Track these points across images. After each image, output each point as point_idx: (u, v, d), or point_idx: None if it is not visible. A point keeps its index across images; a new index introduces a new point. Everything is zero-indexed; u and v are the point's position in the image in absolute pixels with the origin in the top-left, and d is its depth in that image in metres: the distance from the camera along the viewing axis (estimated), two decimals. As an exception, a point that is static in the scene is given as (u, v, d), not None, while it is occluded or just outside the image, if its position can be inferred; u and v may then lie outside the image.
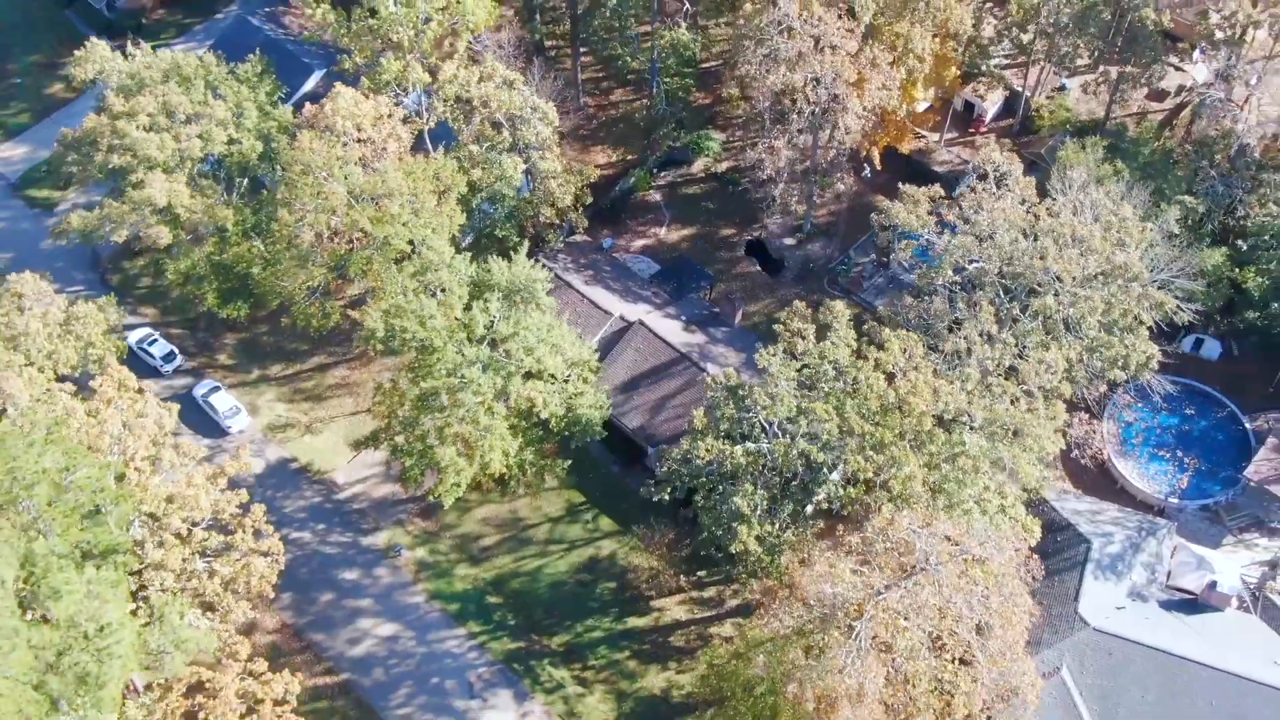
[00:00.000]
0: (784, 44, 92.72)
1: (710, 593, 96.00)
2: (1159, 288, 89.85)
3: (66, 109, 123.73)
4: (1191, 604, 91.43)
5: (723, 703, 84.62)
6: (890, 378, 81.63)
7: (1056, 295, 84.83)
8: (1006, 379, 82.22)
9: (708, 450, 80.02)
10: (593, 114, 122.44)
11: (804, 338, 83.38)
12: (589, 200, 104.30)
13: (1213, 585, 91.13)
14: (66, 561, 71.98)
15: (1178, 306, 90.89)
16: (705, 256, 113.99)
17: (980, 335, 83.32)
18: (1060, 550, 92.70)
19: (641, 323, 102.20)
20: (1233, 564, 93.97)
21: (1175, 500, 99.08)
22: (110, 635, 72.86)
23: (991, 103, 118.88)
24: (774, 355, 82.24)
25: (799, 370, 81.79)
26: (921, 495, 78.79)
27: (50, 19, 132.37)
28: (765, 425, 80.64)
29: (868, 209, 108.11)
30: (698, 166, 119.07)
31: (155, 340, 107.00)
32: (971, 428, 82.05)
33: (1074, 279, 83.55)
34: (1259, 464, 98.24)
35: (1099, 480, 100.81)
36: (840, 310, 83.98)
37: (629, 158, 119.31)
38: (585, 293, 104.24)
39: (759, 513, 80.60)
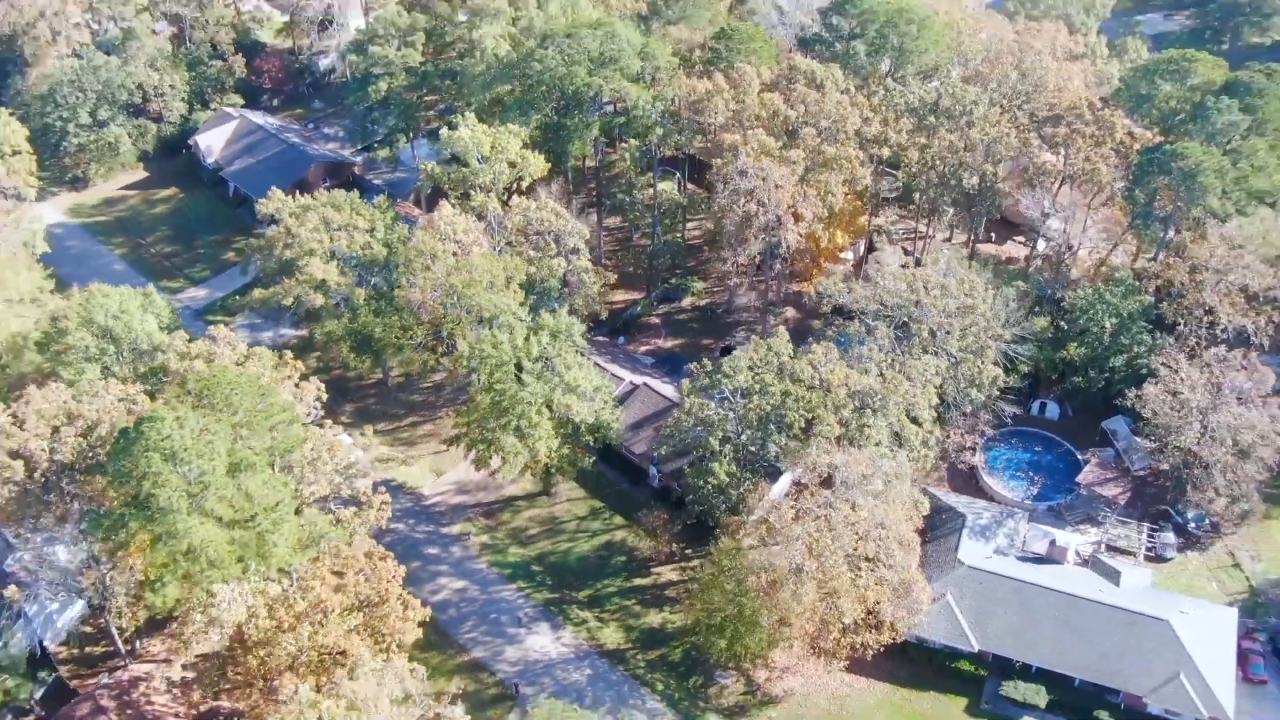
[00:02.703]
0: (743, 182, 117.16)
1: (695, 563, 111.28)
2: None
3: (234, 269, 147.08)
4: (1040, 559, 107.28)
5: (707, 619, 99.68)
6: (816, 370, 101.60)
7: (929, 327, 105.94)
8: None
9: (689, 410, 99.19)
10: (610, 268, 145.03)
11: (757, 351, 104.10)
12: (610, 290, 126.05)
13: (1053, 542, 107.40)
14: (259, 455, 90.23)
15: (1013, 349, 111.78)
16: (692, 357, 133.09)
17: (878, 348, 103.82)
18: (945, 523, 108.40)
19: (646, 384, 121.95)
20: (1072, 540, 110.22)
21: (1029, 502, 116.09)
22: (281, 510, 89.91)
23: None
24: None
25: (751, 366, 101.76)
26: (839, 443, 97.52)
27: (226, 214, 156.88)
28: (730, 395, 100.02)
29: (806, 329, 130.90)
30: (686, 302, 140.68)
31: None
32: (874, 410, 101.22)
33: (938, 310, 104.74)
34: (1086, 475, 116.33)
35: (974, 492, 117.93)
36: (782, 331, 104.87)
37: (636, 296, 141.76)
38: (605, 367, 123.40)
39: (728, 460, 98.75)
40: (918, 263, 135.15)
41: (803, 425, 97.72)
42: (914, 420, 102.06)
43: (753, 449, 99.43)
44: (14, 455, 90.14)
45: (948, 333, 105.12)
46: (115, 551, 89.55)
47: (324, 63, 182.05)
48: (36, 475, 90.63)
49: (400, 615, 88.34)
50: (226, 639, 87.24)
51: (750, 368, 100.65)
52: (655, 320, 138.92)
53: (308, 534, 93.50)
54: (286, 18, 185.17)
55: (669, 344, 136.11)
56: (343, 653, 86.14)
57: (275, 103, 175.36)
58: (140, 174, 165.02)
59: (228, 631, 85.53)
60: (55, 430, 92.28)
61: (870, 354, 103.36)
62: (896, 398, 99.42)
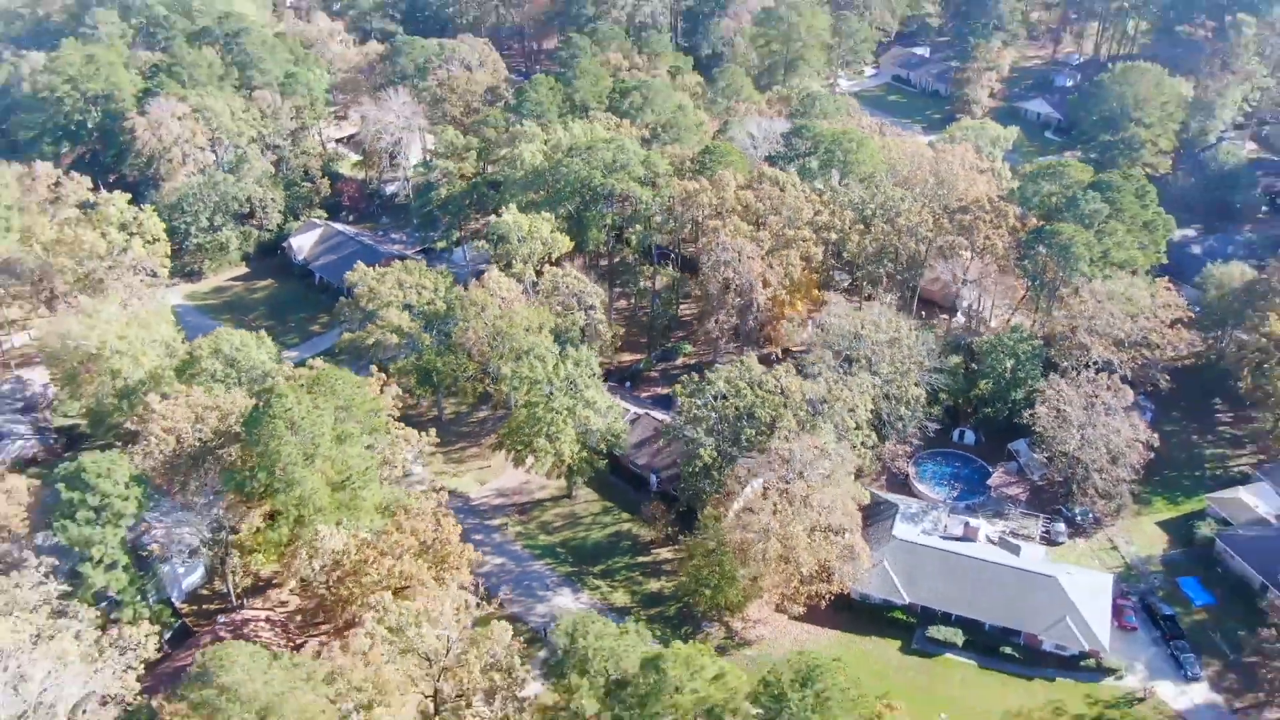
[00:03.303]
0: (722, 255, 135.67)
1: (686, 542, 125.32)
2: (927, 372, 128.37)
3: (320, 337, 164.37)
4: (958, 538, 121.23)
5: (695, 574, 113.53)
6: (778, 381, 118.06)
7: (865, 354, 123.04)
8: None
9: (682, 409, 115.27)
10: (620, 337, 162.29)
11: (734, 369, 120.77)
12: (620, 342, 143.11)
13: (968, 524, 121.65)
14: (357, 429, 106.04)
15: (932, 378, 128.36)
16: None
17: (826, 367, 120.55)
18: (883, 512, 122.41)
19: (647, 414, 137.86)
20: (983, 525, 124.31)
21: (950, 501, 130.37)
22: (369, 475, 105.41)
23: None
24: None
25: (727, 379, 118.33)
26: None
27: (313, 298, 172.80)
28: (712, 399, 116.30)
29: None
30: (679, 361, 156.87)
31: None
32: (823, 416, 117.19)
33: (872, 341, 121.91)
34: (995, 479, 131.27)
35: (907, 494, 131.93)
36: (752, 356, 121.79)
37: (640, 356, 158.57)
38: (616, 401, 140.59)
39: (711, 449, 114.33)
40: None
41: (768, 422, 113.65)
42: (855, 425, 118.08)
43: (729, 440, 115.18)
44: (167, 431, 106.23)
45: (880, 359, 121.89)
46: (241, 505, 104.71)
47: (390, 189, 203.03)
48: (184, 447, 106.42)
49: (458, 555, 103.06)
50: (323, 575, 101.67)
51: (727, 380, 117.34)
52: (655, 374, 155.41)
53: (386, 501, 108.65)
54: (361, 156, 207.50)
55: (665, 391, 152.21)
56: (416, 581, 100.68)
57: (351, 218, 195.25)
58: (243, 269, 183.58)
59: (327, 561, 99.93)
60: (198, 417, 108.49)
61: (820, 371, 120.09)
62: (840, 403, 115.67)
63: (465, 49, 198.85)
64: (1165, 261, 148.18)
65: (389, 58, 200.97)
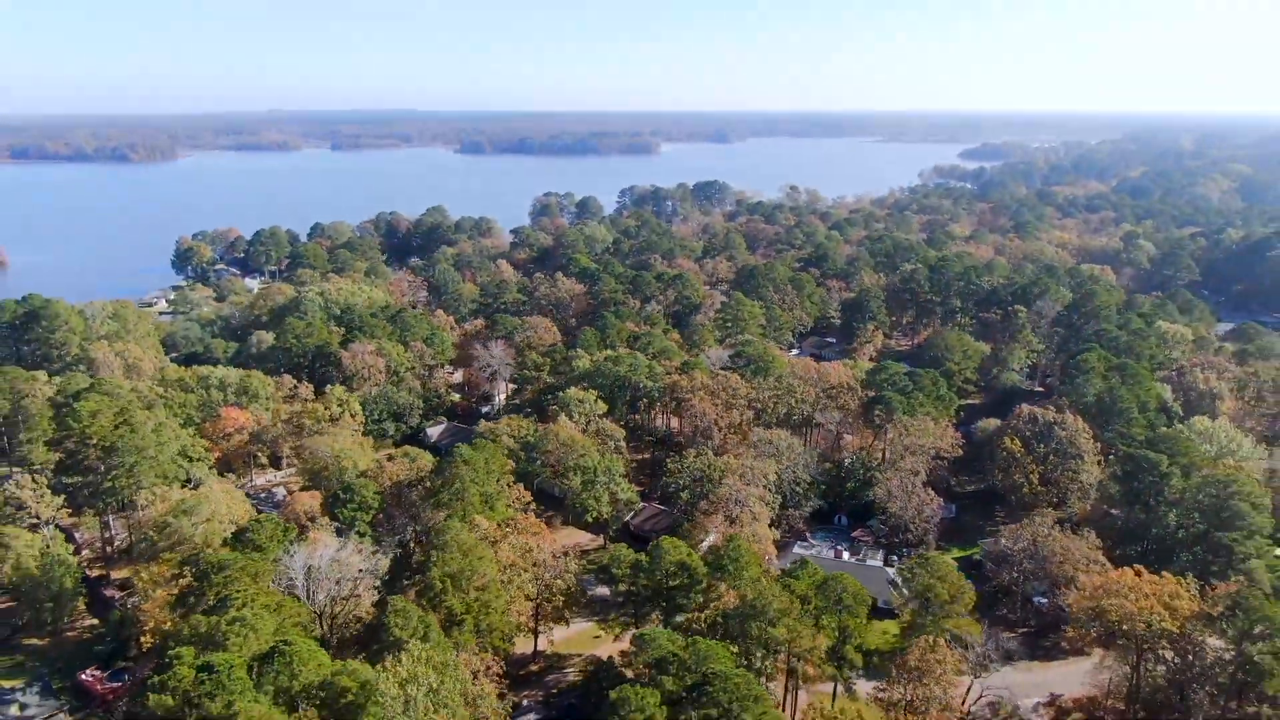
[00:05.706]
0: (695, 411, 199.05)
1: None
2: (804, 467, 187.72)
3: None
4: (833, 557, 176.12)
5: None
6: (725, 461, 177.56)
7: (769, 451, 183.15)
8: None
9: (673, 471, 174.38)
10: (632, 461, 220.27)
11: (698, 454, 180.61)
12: (633, 464, 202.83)
13: (836, 548, 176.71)
14: (495, 469, 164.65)
15: (814, 474, 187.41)
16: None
17: (751, 457, 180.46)
18: (789, 544, 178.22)
19: (651, 504, 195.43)
20: (846, 552, 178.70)
21: (829, 546, 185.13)
22: (500, 498, 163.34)
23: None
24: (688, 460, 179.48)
25: (696, 456, 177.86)
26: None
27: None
28: (688, 466, 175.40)
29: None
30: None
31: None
32: (749, 482, 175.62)
33: (775, 445, 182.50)
34: (856, 534, 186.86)
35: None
36: (709, 450, 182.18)
37: (644, 486, 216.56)
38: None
39: (688, 493, 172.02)
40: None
41: (717, 479, 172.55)
42: (767, 487, 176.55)
43: (696, 492, 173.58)
44: (389, 475, 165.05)
45: (780, 455, 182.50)
46: (432, 509, 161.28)
47: (484, 409, 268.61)
48: (396, 481, 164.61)
49: (546, 535, 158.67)
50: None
51: (696, 456, 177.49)
52: (655, 496, 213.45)
53: (505, 516, 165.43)
54: (461, 393, 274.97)
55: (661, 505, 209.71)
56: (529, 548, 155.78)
57: (459, 423, 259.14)
58: (393, 448, 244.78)
59: (480, 535, 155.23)
60: (404, 470, 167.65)
61: (748, 459, 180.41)
62: (756, 471, 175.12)
63: (536, 321, 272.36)
64: (956, 421, 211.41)
65: (490, 326, 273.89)
